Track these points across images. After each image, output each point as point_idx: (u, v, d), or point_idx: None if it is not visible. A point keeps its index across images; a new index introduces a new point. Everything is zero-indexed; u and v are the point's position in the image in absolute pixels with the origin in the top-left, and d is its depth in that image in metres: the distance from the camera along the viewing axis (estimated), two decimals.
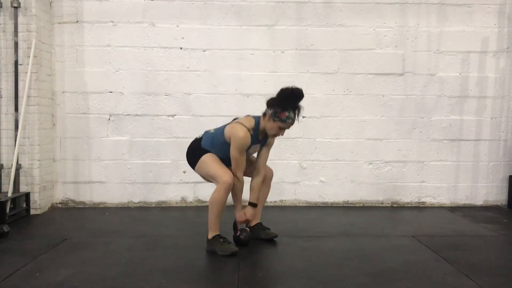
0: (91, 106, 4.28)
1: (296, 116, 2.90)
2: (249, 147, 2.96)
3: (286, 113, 2.84)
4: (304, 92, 2.87)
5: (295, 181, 4.40)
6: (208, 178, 3.04)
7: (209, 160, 2.96)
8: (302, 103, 2.90)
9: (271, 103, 2.90)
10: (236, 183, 2.94)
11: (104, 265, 2.71)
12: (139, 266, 2.68)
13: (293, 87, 2.87)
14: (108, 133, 4.31)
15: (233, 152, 2.90)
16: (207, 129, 3.15)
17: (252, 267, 2.74)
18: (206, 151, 3.00)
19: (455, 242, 3.23)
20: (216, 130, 3.06)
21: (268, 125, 2.92)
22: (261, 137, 3.03)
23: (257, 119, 2.99)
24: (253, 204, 3.08)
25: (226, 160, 2.96)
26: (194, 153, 3.05)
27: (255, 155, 3.17)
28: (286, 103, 2.85)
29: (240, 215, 3.07)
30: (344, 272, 2.61)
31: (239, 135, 2.86)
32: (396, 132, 4.40)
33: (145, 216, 3.98)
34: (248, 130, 2.89)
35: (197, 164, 3.02)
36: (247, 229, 3.15)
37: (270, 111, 2.89)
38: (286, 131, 2.97)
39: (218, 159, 2.98)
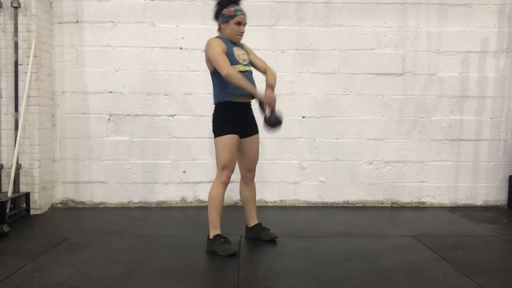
0: (91, 106, 4.28)
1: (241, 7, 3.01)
2: (231, 51, 2.96)
3: (232, 8, 2.97)
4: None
5: (295, 181, 4.40)
6: (216, 157, 3.03)
7: (223, 145, 2.94)
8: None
9: (215, 13, 3.03)
10: (232, 74, 2.86)
11: (104, 265, 2.71)
12: (139, 266, 2.68)
13: None
14: (108, 133, 4.31)
15: (213, 55, 2.89)
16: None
17: (252, 267, 2.75)
18: (223, 116, 2.97)
19: (455, 242, 3.23)
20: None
21: (227, 30, 3.01)
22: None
23: (218, 36, 3.06)
24: (270, 86, 3.05)
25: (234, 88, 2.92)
26: (214, 118, 3.04)
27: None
28: (226, 2, 2.97)
29: (265, 95, 2.93)
30: (344, 272, 2.61)
31: (209, 42, 2.94)
32: (396, 132, 4.40)
33: (145, 216, 3.98)
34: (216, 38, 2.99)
35: (215, 139, 3.00)
36: (275, 113, 2.96)
37: (220, 20, 3.01)
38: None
39: (232, 147, 2.94)
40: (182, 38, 4.27)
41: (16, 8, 3.83)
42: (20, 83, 3.90)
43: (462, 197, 4.47)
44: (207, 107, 4.28)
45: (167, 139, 4.32)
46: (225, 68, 2.86)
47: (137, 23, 4.25)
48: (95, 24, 4.24)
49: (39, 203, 4.00)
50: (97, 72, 4.27)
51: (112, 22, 4.25)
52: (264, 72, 3.15)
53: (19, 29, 3.87)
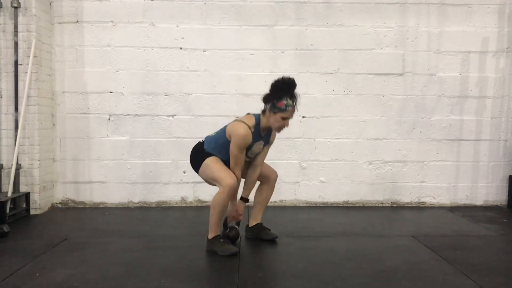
0: (91, 106, 4.28)
1: (295, 104, 2.89)
2: (251, 145, 2.95)
3: (284, 102, 2.84)
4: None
5: (295, 181, 4.40)
6: (211, 181, 3.02)
7: (212, 163, 2.95)
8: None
9: (266, 97, 2.91)
10: (228, 191, 2.90)
11: (104, 265, 2.71)
12: (139, 266, 2.68)
13: (284, 77, 2.89)
14: (108, 133, 4.31)
15: (233, 148, 2.89)
16: (208, 131, 3.15)
17: (252, 267, 2.74)
18: (209, 154, 3.00)
19: (455, 242, 3.23)
20: (218, 132, 3.06)
21: (271, 119, 2.90)
22: (263, 134, 3.01)
23: (257, 116, 2.98)
24: (244, 199, 3.11)
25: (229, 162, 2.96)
26: (197, 156, 3.05)
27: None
28: (281, 92, 2.86)
29: (231, 211, 3.07)
30: (344, 272, 2.61)
31: (240, 132, 2.85)
32: (396, 132, 4.40)
33: (145, 216, 3.98)
34: (249, 127, 2.88)
35: (201, 168, 3.01)
36: (236, 227, 3.11)
37: (268, 106, 2.89)
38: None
39: (221, 162, 2.96)
40: (182, 38, 4.27)
41: (16, 8, 3.83)
42: (20, 83, 3.90)
43: (462, 197, 4.47)
44: (207, 107, 4.31)
45: (167, 139, 4.32)
46: (232, 176, 2.88)
47: (137, 23, 4.25)
48: (95, 24, 4.24)
49: (39, 203, 4.00)
50: (97, 72, 4.27)
51: (112, 22, 4.25)
52: (253, 168, 3.10)
53: (19, 29, 3.87)
